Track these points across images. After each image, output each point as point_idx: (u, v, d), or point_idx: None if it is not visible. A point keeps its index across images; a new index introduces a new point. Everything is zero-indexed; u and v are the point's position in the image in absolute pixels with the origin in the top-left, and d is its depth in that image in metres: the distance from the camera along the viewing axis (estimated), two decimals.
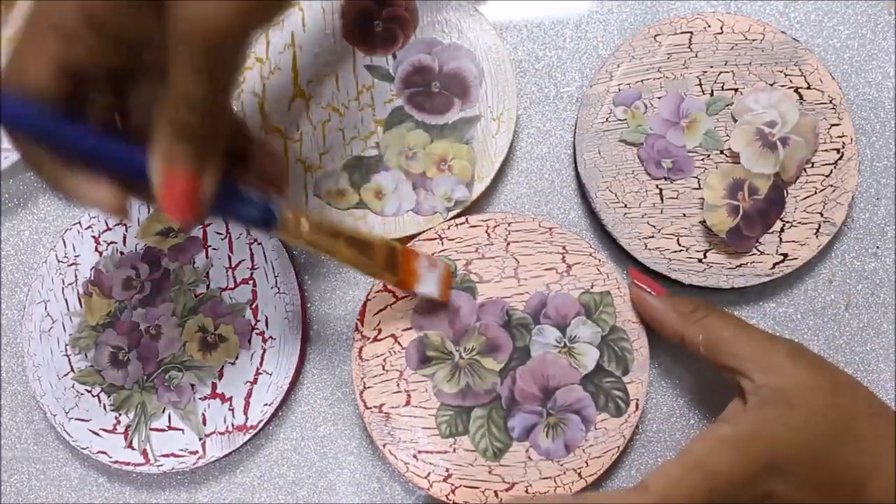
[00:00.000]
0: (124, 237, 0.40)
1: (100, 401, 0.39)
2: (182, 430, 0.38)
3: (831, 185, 0.38)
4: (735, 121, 0.39)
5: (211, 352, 0.39)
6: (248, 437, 0.38)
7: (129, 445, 0.38)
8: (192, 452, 0.38)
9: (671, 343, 0.40)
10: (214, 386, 0.38)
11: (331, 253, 0.32)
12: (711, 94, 0.39)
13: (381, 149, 0.40)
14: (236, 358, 0.38)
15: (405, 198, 0.39)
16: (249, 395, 0.38)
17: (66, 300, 0.40)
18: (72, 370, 0.39)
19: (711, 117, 0.39)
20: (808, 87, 0.39)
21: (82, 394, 0.39)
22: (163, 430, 0.38)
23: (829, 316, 0.40)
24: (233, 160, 0.28)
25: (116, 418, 0.38)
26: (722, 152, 0.39)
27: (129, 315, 0.39)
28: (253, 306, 0.39)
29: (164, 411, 0.38)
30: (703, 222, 0.38)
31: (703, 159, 0.39)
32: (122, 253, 0.40)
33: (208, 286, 0.39)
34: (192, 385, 0.38)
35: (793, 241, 0.38)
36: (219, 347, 0.39)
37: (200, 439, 0.38)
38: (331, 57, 0.40)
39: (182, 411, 0.38)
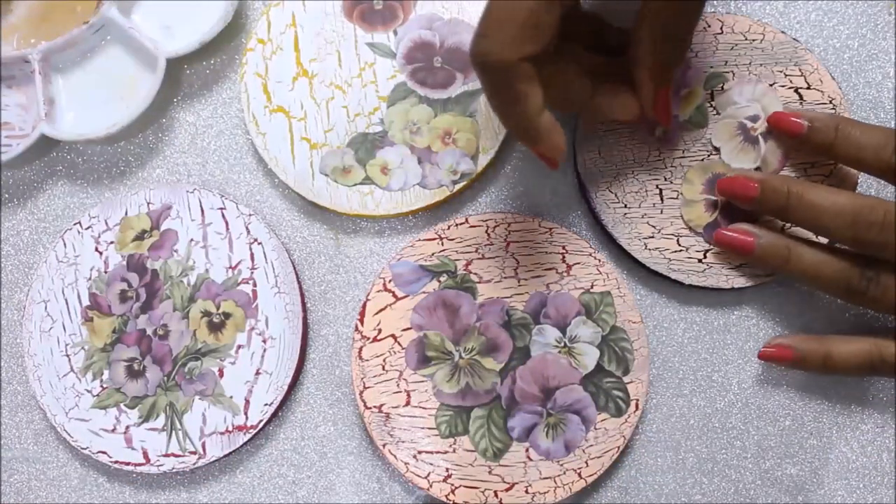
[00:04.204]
0: (106, 260, 0.40)
1: (119, 422, 0.39)
2: (218, 412, 0.38)
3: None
4: (718, 114, 0.39)
5: (221, 331, 0.39)
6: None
7: (172, 453, 0.38)
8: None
9: (675, 341, 0.40)
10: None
11: None
12: (711, 95, 0.39)
13: (385, 124, 0.40)
14: (249, 329, 0.39)
15: (411, 172, 0.39)
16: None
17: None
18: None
19: (706, 93, 0.39)
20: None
21: (103, 415, 0.39)
22: (198, 421, 0.38)
23: (829, 316, 0.40)
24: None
25: (117, 418, 0.39)
26: (712, 147, 0.39)
27: (133, 325, 0.39)
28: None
29: (193, 404, 0.38)
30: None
31: (694, 156, 0.39)
32: (107, 271, 0.40)
33: (195, 270, 0.39)
34: (214, 369, 0.38)
35: None
36: (227, 324, 0.39)
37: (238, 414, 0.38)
38: (332, 35, 0.41)
39: (212, 397, 0.38)
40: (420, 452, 0.37)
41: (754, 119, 0.38)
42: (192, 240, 0.40)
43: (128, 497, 0.40)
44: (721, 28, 0.40)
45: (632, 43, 0.34)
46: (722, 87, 0.39)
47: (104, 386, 0.39)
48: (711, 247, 0.38)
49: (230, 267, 0.39)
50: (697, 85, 0.39)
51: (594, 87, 0.35)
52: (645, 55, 0.34)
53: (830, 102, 0.39)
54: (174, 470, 0.38)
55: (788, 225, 0.38)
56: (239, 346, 0.39)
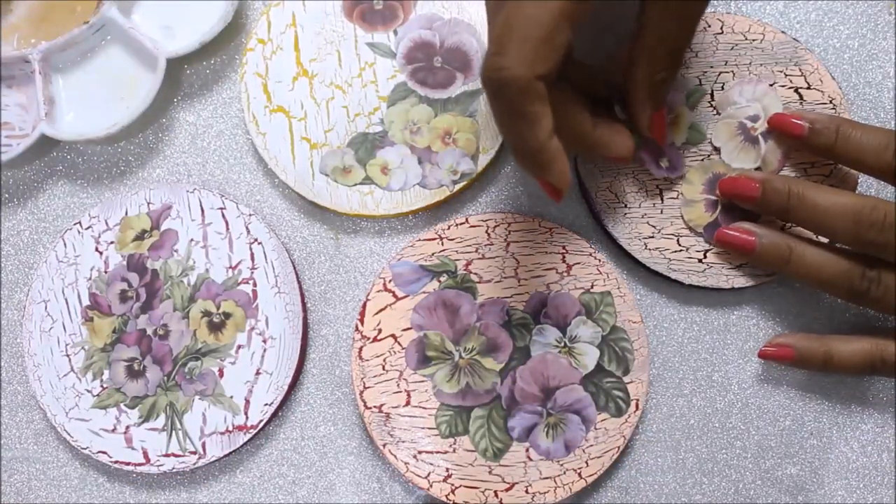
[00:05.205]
0: (106, 260, 0.40)
1: (120, 422, 0.39)
2: (219, 412, 0.38)
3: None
4: (718, 114, 0.39)
5: (221, 331, 0.39)
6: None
7: (172, 453, 0.38)
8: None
9: (675, 341, 0.40)
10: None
11: None
12: (711, 95, 0.39)
13: (385, 124, 0.40)
14: (249, 329, 0.39)
15: (411, 172, 0.40)
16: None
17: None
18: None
19: (693, 110, 0.39)
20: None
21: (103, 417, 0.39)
22: (198, 421, 0.38)
23: (829, 316, 0.40)
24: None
25: (117, 418, 0.39)
26: (713, 147, 0.39)
27: (133, 325, 0.39)
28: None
29: (193, 403, 0.38)
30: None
31: (694, 156, 0.39)
32: (107, 271, 0.40)
33: (195, 270, 0.39)
34: (214, 369, 0.38)
35: None
36: (227, 324, 0.39)
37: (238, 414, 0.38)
38: (332, 35, 0.41)
39: (212, 397, 0.38)
40: (420, 452, 0.37)
41: (754, 119, 0.38)
42: (192, 240, 0.40)
43: (128, 497, 0.40)
44: (721, 28, 0.40)
45: (627, 66, 0.34)
46: (722, 87, 0.39)
47: (104, 386, 0.39)
48: (711, 247, 0.38)
49: (230, 267, 0.39)
50: (680, 106, 0.39)
51: (593, 122, 0.35)
52: (641, 77, 0.34)
53: (830, 102, 0.39)
54: (174, 470, 0.38)
55: (789, 225, 0.38)
56: (239, 346, 0.39)
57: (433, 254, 0.39)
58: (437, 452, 0.37)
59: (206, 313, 0.39)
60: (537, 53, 0.28)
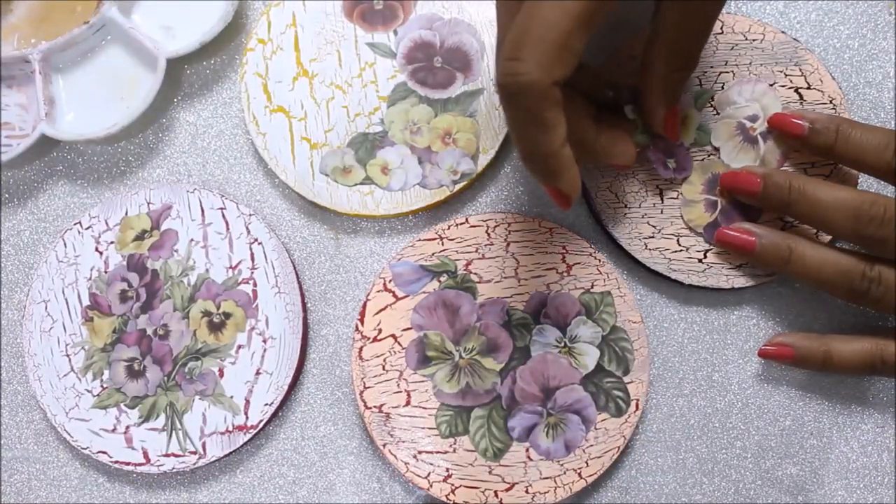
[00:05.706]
0: (106, 260, 0.40)
1: (120, 422, 0.39)
2: (219, 412, 0.38)
3: None
4: (718, 113, 0.39)
5: (221, 331, 0.39)
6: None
7: (172, 453, 0.38)
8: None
9: (675, 341, 0.40)
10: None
11: None
12: (711, 95, 0.39)
13: (385, 124, 0.40)
14: (249, 329, 0.39)
15: (411, 172, 0.40)
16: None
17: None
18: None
19: (701, 112, 0.39)
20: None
21: (103, 417, 0.39)
22: (198, 421, 0.38)
23: (830, 316, 0.40)
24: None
25: (117, 418, 0.39)
26: (712, 147, 0.39)
27: (133, 325, 0.39)
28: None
29: (193, 403, 0.38)
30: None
31: (694, 156, 0.39)
32: (107, 271, 0.40)
33: (195, 270, 0.39)
34: (214, 369, 0.38)
35: None
36: (227, 324, 0.39)
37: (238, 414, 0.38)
38: (332, 35, 0.41)
39: (212, 397, 0.38)
40: (420, 452, 0.37)
41: (753, 119, 0.38)
42: (192, 240, 0.40)
43: (128, 497, 0.40)
44: (721, 28, 0.40)
45: (642, 66, 0.34)
46: (722, 88, 0.39)
47: (104, 386, 0.39)
48: (711, 247, 0.38)
49: (230, 267, 0.39)
50: (689, 108, 0.39)
51: (597, 130, 0.35)
52: (656, 76, 0.34)
53: (830, 102, 0.39)
54: (174, 470, 0.38)
55: (790, 223, 0.38)
56: (239, 346, 0.39)
57: (433, 254, 0.39)
58: (437, 452, 0.37)
59: (206, 313, 0.39)
60: (554, 58, 0.28)
